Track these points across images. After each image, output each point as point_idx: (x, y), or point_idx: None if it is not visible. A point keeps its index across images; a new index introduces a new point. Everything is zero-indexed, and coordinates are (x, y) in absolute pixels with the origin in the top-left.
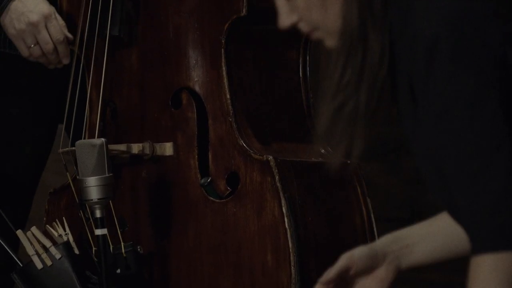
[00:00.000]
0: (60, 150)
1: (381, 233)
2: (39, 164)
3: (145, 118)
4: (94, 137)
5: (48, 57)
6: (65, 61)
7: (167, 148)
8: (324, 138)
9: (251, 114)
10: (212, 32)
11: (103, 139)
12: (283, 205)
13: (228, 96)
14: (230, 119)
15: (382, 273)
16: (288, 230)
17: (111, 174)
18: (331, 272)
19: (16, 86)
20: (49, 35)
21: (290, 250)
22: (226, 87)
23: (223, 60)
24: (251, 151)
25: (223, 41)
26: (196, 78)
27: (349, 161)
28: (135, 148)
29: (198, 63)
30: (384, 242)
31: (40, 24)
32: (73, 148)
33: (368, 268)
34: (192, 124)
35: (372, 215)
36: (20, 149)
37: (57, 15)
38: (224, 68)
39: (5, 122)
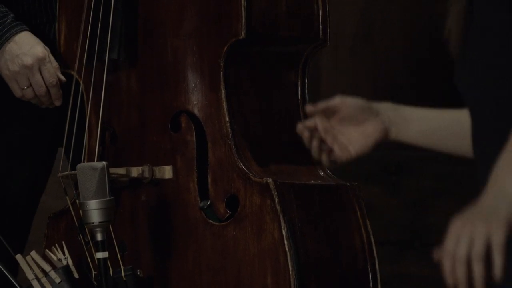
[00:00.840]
0: (60, 174)
1: (381, 255)
2: (38, 188)
3: (144, 142)
4: (93, 161)
5: (40, 99)
6: (57, 103)
7: (167, 172)
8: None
9: (250, 137)
10: (211, 55)
11: (104, 162)
12: (282, 227)
13: (227, 119)
14: (229, 142)
15: (369, 128)
16: (288, 253)
17: (112, 197)
18: (318, 105)
19: (16, 110)
20: (43, 78)
21: (290, 273)
22: (225, 110)
23: (221, 83)
24: (251, 174)
25: (221, 64)
26: (195, 101)
27: (348, 183)
28: (135, 171)
29: (197, 86)
30: (382, 105)
31: (34, 68)
32: (73, 172)
33: (357, 118)
34: (191, 147)
35: (372, 238)
36: (20, 173)
37: (51, 57)
38: (223, 91)
39: (5, 146)
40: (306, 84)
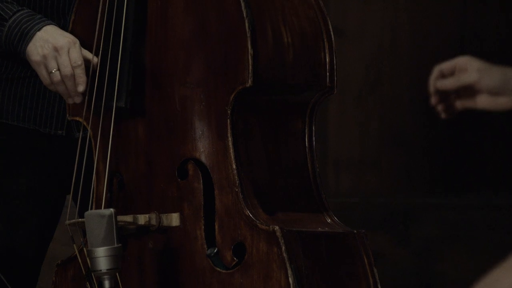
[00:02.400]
0: (67, 222)
1: None
2: (46, 236)
3: (151, 189)
4: (101, 208)
5: (66, 83)
6: (81, 88)
7: (174, 219)
8: None
9: (257, 184)
10: (218, 103)
11: (112, 209)
12: (289, 275)
13: (234, 166)
14: (236, 190)
15: (502, 100)
16: None
17: (120, 245)
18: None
19: (24, 158)
20: (69, 59)
21: None
22: (232, 157)
23: (229, 130)
24: (257, 222)
25: (229, 111)
26: (202, 148)
27: (355, 231)
28: (142, 219)
29: (204, 134)
30: None
31: (63, 49)
32: (81, 219)
33: (492, 93)
34: (199, 194)
35: (379, 286)
36: (28, 221)
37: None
38: (230, 139)
39: (13, 193)
40: (314, 131)
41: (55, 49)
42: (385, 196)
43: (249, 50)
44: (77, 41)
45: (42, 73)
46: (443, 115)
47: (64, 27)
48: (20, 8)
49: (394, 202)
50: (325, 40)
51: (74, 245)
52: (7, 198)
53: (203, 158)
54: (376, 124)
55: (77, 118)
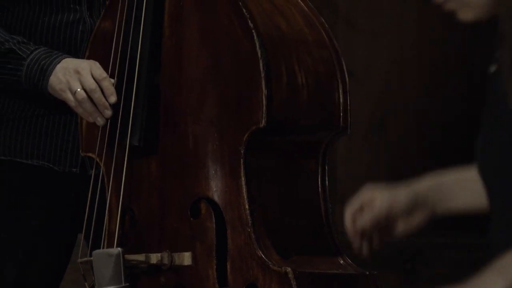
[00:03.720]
0: (79, 260)
1: None
2: (57, 274)
3: (164, 227)
4: (113, 246)
5: (93, 96)
6: (112, 99)
7: (186, 258)
8: None
9: (269, 224)
10: (231, 142)
11: (119, 248)
12: None
13: (247, 206)
14: (249, 230)
15: (417, 218)
16: None
17: (127, 284)
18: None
19: (38, 197)
20: (92, 77)
21: None
22: (245, 197)
23: (242, 170)
24: (270, 263)
25: (242, 151)
26: (215, 188)
27: (368, 272)
28: (154, 258)
29: (217, 173)
30: (425, 186)
31: (85, 69)
32: (91, 258)
33: (404, 214)
34: (211, 234)
35: None
36: (40, 259)
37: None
38: (243, 178)
39: (25, 232)
40: (326, 171)
41: (76, 72)
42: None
43: (263, 91)
44: (97, 62)
45: (68, 97)
46: (366, 253)
47: None
48: (37, 46)
49: (401, 240)
50: (339, 80)
51: (86, 283)
52: (20, 236)
53: (215, 197)
54: (384, 163)
55: (90, 154)
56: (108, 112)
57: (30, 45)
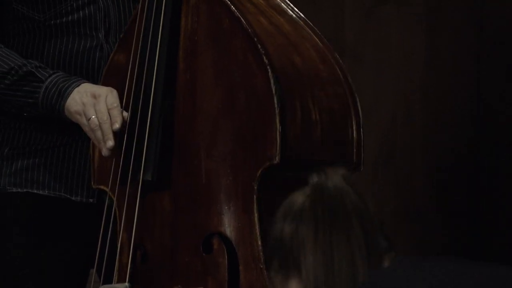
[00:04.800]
0: None
1: None
2: None
3: (175, 262)
4: (124, 281)
5: (101, 127)
6: (116, 125)
7: None
8: None
9: None
10: (245, 178)
11: (127, 284)
12: None
13: (259, 242)
14: (261, 266)
15: None
16: None
17: None
18: None
19: (56, 229)
20: (106, 105)
21: None
22: (258, 233)
23: (255, 206)
24: None
25: (255, 187)
26: (228, 223)
27: None
28: None
29: (230, 209)
30: None
31: (101, 96)
32: None
33: None
34: (223, 270)
35: None
36: None
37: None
38: (256, 214)
39: (38, 268)
40: None
41: (93, 96)
42: None
43: (278, 127)
44: (115, 90)
45: (83, 121)
46: None
47: None
48: (55, 71)
49: None
50: (353, 116)
51: None
52: (38, 269)
53: (228, 233)
54: (391, 198)
55: (102, 187)
56: (109, 143)
57: (48, 69)
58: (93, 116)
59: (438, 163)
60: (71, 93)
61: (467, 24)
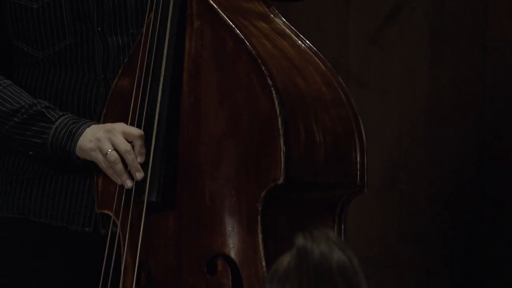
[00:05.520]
0: None
1: None
2: None
3: (180, 284)
4: None
5: (127, 158)
6: (141, 158)
7: None
8: None
9: None
10: (249, 199)
11: None
12: None
13: (263, 263)
14: None
15: None
16: None
17: None
18: None
19: (53, 257)
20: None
21: None
22: (262, 254)
23: (259, 227)
24: None
25: (259, 208)
26: (232, 244)
27: None
28: None
29: (234, 230)
30: None
31: (116, 129)
32: None
33: None
34: None
35: None
36: None
37: None
38: (260, 235)
39: None
40: (343, 229)
41: (107, 131)
42: None
43: (282, 148)
44: (126, 125)
45: (98, 157)
46: None
47: None
48: (65, 113)
49: None
50: (356, 139)
51: None
52: None
53: (232, 254)
54: (395, 220)
55: (106, 211)
56: (140, 175)
57: (58, 111)
58: (110, 150)
59: (442, 186)
60: (82, 133)
61: (471, 47)
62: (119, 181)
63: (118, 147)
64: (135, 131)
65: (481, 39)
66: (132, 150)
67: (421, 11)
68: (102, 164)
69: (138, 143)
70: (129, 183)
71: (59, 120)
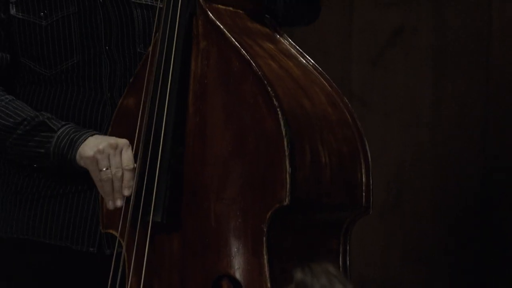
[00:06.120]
0: None
1: None
2: None
3: None
4: None
5: (114, 183)
6: (127, 192)
7: None
8: None
9: None
10: (254, 220)
11: None
12: None
13: (268, 284)
14: None
15: None
16: None
17: None
18: None
19: (57, 277)
20: (121, 161)
21: None
22: (267, 275)
23: (264, 248)
24: None
25: (265, 229)
26: (237, 265)
27: None
28: None
29: (239, 251)
30: None
31: (119, 148)
32: None
33: None
34: None
35: None
36: None
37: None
38: (265, 256)
39: None
40: (348, 251)
41: (111, 146)
42: None
43: (288, 169)
44: (130, 146)
45: (93, 168)
46: None
47: None
48: (67, 122)
49: None
50: (362, 160)
51: None
52: None
53: (237, 275)
54: (398, 241)
55: (111, 231)
56: (119, 203)
57: (60, 121)
58: (105, 169)
59: (445, 207)
60: (84, 141)
61: (474, 68)
62: (104, 198)
63: (112, 169)
64: (130, 161)
65: (484, 60)
66: (121, 179)
67: (424, 32)
68: (95, 176)
69: (126, 175)
70: (110, 205)
71: (62, 129)
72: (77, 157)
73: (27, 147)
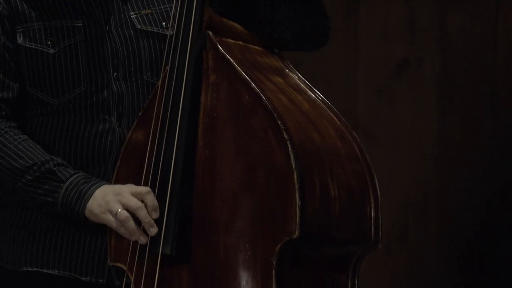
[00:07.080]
0: None
1: None
2: None
3: None
4: None
5: (140, 214)
6: (155, 215)
7: None
8: None
9: None
10: (263, 253)
11: None
12: None
13: None
14: None
15: None
16: None
17: None
18: None
19: None
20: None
21: None
22: None
23: (273, 281)
24: None
25: (274, 262)
26: None
27: None
28: None
29: (248, 284)
30: None
31: (125, 191)
32: None
33: None
34: None
35: None
36: None
37: None
38: None
39: None
40: (356, 285)
41: (115, 194)
42: None
43: (297, 202)
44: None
45: (109, 218)
46: None
47: (104, 175)
48: (76, 171)
49: None
50: (371, 194)
51: None
52: None
53: None
54: (404, 276)
55: (119, 264)
56: (154, 230)
57: (70, 169)
58: (120, 210)
59: (451, 240)
60: (92, 194)
61: (480, 100)
62: (132, 239)
63: (128, 205)
64: (142, 189)
65: (490, 92)
66: (143, 206)
67: (430, 63)
68: (113, 224)
69: (149, 199)
70: (143, 239)
71: (70, 180)
72: (87, 212)
73: (36, 194)
